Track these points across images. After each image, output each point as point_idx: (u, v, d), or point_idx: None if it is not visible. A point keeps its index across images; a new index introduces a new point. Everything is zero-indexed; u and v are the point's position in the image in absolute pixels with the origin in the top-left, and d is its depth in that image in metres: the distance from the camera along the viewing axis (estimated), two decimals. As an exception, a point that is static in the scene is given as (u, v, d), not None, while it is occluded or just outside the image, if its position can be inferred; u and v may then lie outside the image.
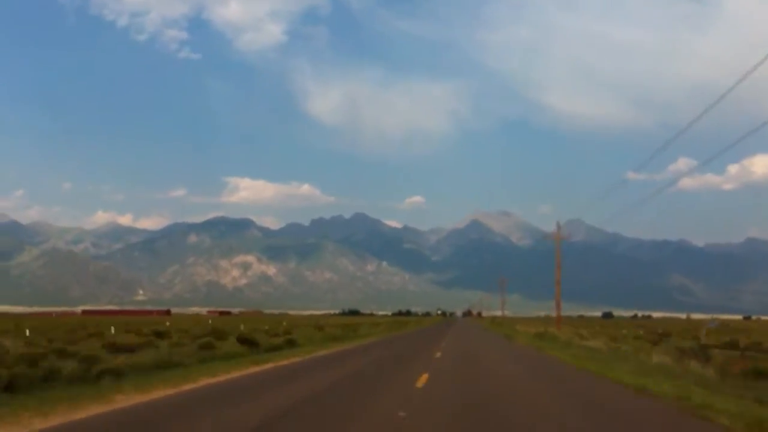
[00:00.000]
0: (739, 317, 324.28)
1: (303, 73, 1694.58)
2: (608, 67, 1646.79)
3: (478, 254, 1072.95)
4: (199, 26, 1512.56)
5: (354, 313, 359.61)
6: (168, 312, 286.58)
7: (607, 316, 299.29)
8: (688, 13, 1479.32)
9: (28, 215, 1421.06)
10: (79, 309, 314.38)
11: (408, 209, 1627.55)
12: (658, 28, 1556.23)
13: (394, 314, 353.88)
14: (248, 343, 33.13)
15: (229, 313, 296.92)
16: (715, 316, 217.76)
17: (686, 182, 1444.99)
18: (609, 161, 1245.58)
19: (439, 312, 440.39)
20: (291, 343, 36.92)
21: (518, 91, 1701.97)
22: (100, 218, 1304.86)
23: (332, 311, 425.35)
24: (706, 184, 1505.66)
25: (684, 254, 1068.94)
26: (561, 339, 48.28)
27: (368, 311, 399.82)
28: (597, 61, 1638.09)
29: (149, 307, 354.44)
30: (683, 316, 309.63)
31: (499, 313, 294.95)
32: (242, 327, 58.79)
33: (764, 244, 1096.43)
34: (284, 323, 74.44)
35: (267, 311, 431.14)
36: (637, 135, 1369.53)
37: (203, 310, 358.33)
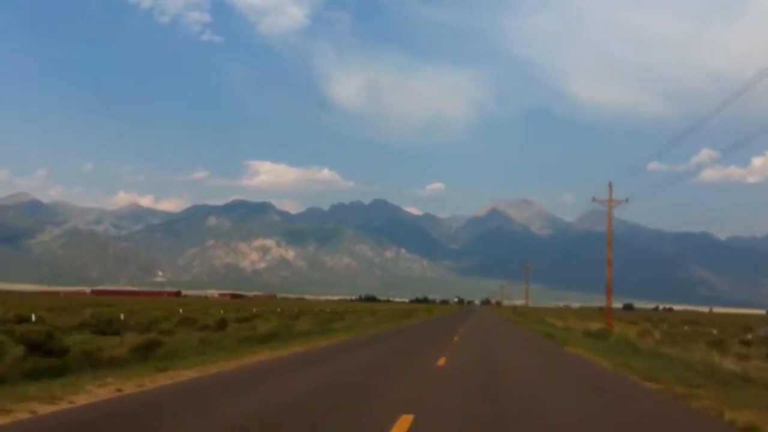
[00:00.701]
0: (761, 311, 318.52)
1: (325, 58, 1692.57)
2: (633, 56, 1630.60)
3: (497, 243, 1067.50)
4: (221, 9, 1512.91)
5: (371, 299, 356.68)
6: (178, 293, 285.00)
7: (628, 308, 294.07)
8: (716, 3, 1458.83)
9: (50, 195, 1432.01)
10: (88, 289, 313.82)
11: (428, 196, 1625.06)
12: (685, 18, 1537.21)
13: (411, 301, 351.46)
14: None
15: (241, 296, 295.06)
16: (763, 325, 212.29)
17: (709, 174, 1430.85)
18: (632, 151, 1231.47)
19: (456, 300, 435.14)
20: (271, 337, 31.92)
21: (541, 79, 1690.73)
22: (121, 199, 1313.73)
23: (349, 297, 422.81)
24: (730, 176, 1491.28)
25: (706, 247, 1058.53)
26: (641, 347, 29.69)
27: (385, 298, 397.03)
28: (622, 50, 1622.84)
29: (168, 288, 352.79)
30: (705, 309, 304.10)
31: (519, 302, 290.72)
32: (221, 312, 54.83)
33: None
34: (296, 309, 69.57)
35: (284, 295, 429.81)
36: (662, 125, 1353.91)
37: (217, 293, 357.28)
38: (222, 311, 52.05)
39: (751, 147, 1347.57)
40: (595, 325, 51.46)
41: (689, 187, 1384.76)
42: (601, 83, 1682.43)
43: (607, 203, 56.01)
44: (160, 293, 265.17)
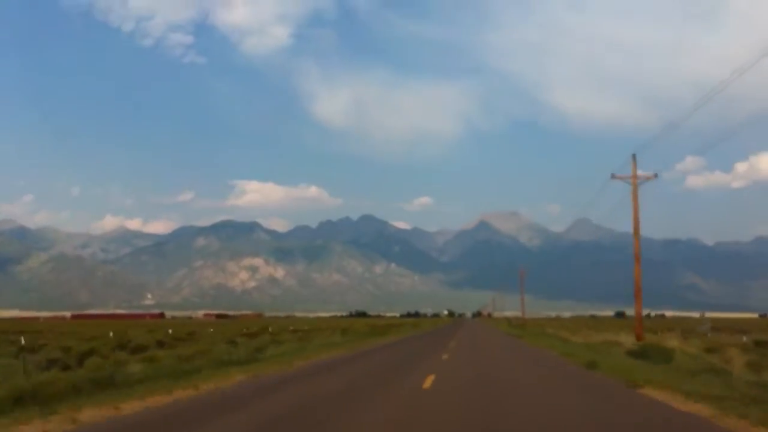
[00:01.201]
0: (754, 315, 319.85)
1: (310, 76, 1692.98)
2: (616, 66, 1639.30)
3: (486, 255, 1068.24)
4: (203, 30, 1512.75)
5: (361, 314, 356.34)
6: (162, 315, 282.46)
7: (620, 315, 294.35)
8: (696, 10, 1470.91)
9: (36, 220, 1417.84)
10: (69, 314, 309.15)
11: (416, 210, 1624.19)
12: (667, 26, 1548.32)
13: (402, 316, 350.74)
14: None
15: (227, 316, 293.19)
16: (704, 320, 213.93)
17: (694, 180, 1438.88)
18: (617, 160, 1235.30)
19: (447, 313, 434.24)
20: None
21: (526, 91, 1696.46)
22: (109, 223, 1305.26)
23: (339, 313, 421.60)
24: (715, 182, 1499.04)
25: (694, 253, 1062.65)
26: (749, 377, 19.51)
27: (376, 313, 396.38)
28: (605, 60, 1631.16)
29: (152, 311, 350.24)
30: (696, 314, 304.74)
31: (511, 313, 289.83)
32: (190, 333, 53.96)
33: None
34: (270, 329, 66.06)
35: (274, 314, 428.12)
36: (646, 133, 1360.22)
37: (202, 314, 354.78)
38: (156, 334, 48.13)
39: (734, 152, 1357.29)
40: (619, 338, 43.51)
41: (675, 194, 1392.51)
42: (586, 94, 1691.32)
43: (632, 180, 44.55)
44: (143, 316, 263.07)
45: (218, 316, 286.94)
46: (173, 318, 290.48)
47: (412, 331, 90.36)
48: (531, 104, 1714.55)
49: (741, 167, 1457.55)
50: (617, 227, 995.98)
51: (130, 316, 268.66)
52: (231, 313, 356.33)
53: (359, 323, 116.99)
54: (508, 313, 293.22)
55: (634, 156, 44.02)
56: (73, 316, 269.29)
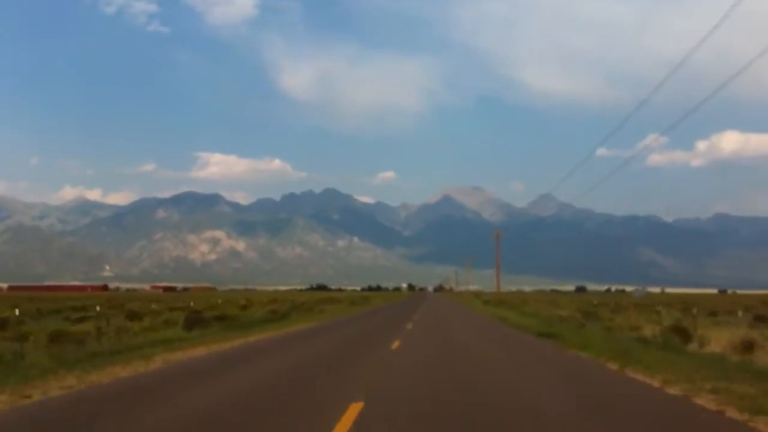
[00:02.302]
0: (713, 291, 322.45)
1: (275, 48, 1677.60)
2: (582, 43, 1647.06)
3: (449, 230, 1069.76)
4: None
5: (322, 288, 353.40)
6: (105, 287, 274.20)
7: (581, 290, 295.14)
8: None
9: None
10: (5, 285, 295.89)
11: (380, 185, 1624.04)
12: (635, 3, 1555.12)
13: (363, 289, 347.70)
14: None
15: (174, 288, 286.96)
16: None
17: (655, 158, 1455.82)
18: (582, 137, 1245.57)
19: (406, 286, 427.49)
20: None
21: (492, 67, 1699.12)
22: (68, 193, 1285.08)
23: (299, 287, 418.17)
24: (675, 160, 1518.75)
25: (653, 229, 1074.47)
26: None
27: (337, 287, 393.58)
28: (571, 37, 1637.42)
29: (96, 283, 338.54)
30: (657, 290, 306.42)
31: (474, 287, 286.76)
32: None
33: (732, 220, 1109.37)
34: (220, 301, 62.83)
35: (234, 287, 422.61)
36: (611, 112, 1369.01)
37: (149, 286, 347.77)
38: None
39: (696, 130, 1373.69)
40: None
41: (636, 172, 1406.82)
42: (551, 70, 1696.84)
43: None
44: (85, 288, 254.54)
45: (166, 289, 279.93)
46: (117, 290, 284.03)
47: (356, 309, 68.99)
48: (497, 80, 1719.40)
49: (702, 146, 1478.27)
50: (578, 203, 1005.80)
51: (71, 288, 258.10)
52: (180, 285, 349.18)
53: (305, 297, 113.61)
54: (472, 288, 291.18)
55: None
56: (10, 288, 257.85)
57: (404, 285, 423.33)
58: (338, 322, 41.66)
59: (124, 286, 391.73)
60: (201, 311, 41.13)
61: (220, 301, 70.68)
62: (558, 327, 33.33)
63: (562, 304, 67.26)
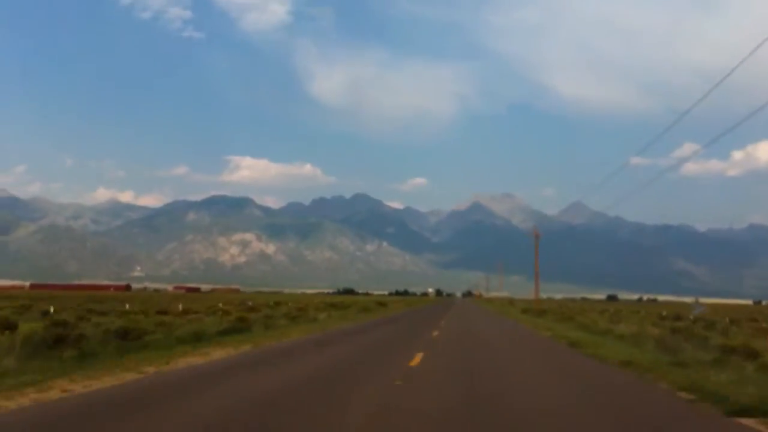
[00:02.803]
0: (748, 302, 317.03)
1: (307, 54, 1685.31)
2: (615, 51, 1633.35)
3: (478, 236, 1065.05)
4: (202, 5, 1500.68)
5: (349, 292, 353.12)
6: (128, 287, 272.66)
7: (612, 299, 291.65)
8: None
9: (28, 191, 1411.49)
10: (27, 283, 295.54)
11: (410, 191, 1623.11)
12: (667, 12, 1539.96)
13: (390, 294, 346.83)
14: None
15: (198, 290, 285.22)
16: (700, 300, 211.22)
17: (690, 168, 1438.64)
18: (614, 146, 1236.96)
19: (431, 291, 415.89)
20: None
21: (524, 74, 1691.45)
22: (101, 195, 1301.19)
23: (327, 290, 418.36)
24: (710, 170, 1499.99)
25: (686, 239, 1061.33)
26: None
27: (364, 291, 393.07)
28: (604, 45, 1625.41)
29: (119, 283, 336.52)
30: (689, 299, 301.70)
31: (498, 294, 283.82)
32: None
33: (766, 230, 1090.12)
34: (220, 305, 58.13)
35: (265, 289, 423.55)
36: (644, 119, 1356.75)
37: (171, 287, 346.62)
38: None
39: (731, 140, 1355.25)
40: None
41: (669, 181, 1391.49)
42: (583, 77, 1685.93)
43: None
44: (107, 287, 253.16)
45: (188, 289, 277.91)
46: (143, 290, 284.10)
47: (341, 322, 45.29)
48: (528, 87, 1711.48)
49: (737, 155, 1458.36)
50: (610, 211, 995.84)
51: (92, 287, 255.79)
52: (204, 286, 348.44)
53: (318, 300, 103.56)
54: (501, 294, 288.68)
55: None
56: (32, 286, 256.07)
57: (431, 290, 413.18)
58: (319, 340, 26.88)
59: (151, 286, 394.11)
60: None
61: (221, 304, 63.35)
62: (682, 360, 18.68)
63: (626, 317, 51.81)
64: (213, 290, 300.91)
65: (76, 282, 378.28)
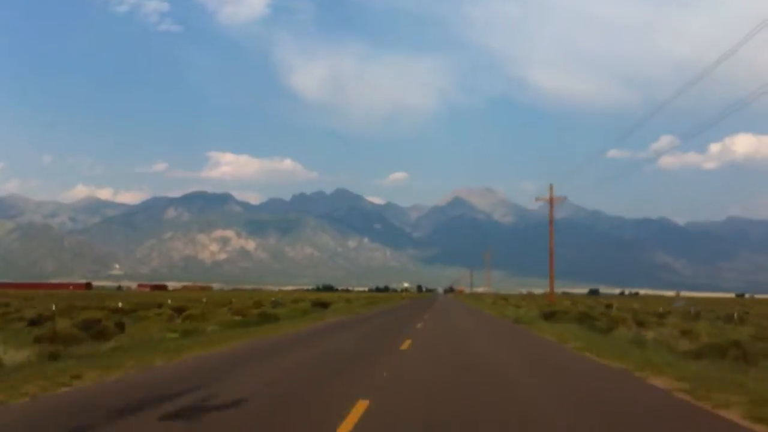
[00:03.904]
0: (729, 295, 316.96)
1: (287, 47, 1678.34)
2: (594, 45, 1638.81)
3: (459, 231, 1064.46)
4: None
5: (328, 288, 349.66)
6: (89, 286, 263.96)
7: (594, 293, 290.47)
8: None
9: (6, 188, 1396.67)
10: None
11: (391, 185, 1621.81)
12: (646, 5, 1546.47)
13: (371, 290, 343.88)
14: None
15: (164, 287, 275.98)
16: (681, 294, 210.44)
17: (668, 161, 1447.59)
18: (593, 139, 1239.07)
19: (406, 287, 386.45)
20: None
21: (504, 67, 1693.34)
22: (80, 192, 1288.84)
23: (306, 287, 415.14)
24: (688, 163, 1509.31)
25: (666, 232, 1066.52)
26: None
27: (344, 287, 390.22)
28: (583, 38, 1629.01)
29: (78, 281, 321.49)
30: (671, 293, 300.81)
31: (483, 289, 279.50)
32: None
33: (745, 223, 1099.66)
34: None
35: (247, 286, 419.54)
36: (623, 113, 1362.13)
37: (135, 285, 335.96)
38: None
39: (710, 134, 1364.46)
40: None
41: (648, 174, 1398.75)
42: (563, 71, 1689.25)
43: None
44: (66, 285, 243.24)
45: (153, 287, 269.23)
46: (102, 289, 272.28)
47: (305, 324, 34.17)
48: (508, 80, 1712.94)
49: (715, 148, 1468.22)
50: (589, 205, 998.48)
51: (53, 285, 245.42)
52: (171, 284, 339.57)
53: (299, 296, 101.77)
54: (480, 289, 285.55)
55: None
56: None
57: (407, 284, 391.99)
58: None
59: (114, 284, 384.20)
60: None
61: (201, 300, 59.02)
62: None
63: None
64: (183, 288, 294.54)
65: (31, 281, 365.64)
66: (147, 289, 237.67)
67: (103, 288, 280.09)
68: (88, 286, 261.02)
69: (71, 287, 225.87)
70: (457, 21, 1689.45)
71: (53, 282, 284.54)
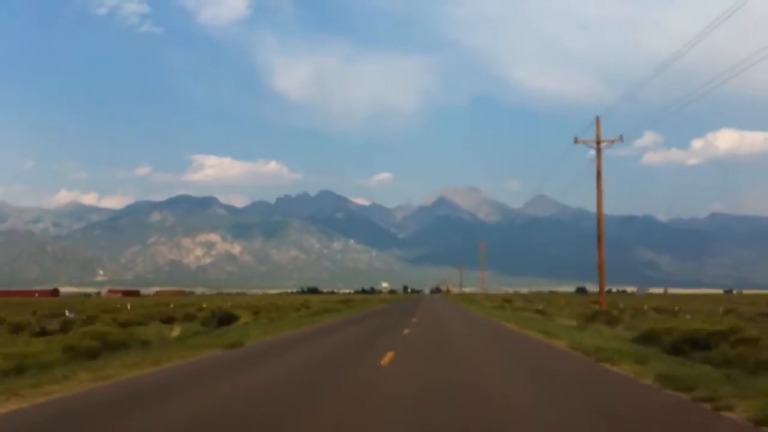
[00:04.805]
0: (718, 291, 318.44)
1: (269, 48, 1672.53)
2: (576, 43, 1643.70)
3: (445, 231, 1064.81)
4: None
5: (313, 291, 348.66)
6: (55, 292, 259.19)
7: (581, 291, 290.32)
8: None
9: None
10: None
11: (375, 186, 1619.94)
12: (628, 2, 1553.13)
13: (356, 292, 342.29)
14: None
15: (137, 293, 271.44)
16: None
17: (651, 157, 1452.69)
18: (576, 137, 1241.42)
19: (386, 287, 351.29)
20: None
21: (486, 66, 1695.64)
22: (63, 197, 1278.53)
23: (291, 290, 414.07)
24: (671, 159, 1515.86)
25: (650, 229, 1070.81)
26: None
27: (330, 289, 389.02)
28: (564, 36, 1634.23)
29: (46, 288, 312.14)
30: (659, 290, 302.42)
31: (470, 289, 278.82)
32: None
33: (727, 219, 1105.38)
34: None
35: (228, 290, 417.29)
36: (606, 110, 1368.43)
37: (106, 290, 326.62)
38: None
39: (691, 129, 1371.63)
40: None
41: (632, 171, 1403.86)
42: (546, 70, 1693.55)
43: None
44: (32, 293, 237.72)
45: (125, 293, 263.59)
46: (69, 295, 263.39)
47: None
48: (491, 79, 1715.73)
49: (697, 144, 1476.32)
50: (573, 203, 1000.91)
51: (15, 293, 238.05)
52: (143, 290, 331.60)
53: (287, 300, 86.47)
54: (467, 290, 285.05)
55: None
56: None
57: (385, 284, 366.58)
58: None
59: (91, 290, 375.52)
60: None
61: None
62: None
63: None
64: (157, 293, 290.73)
65: (29, 288, 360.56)
66: (118, 295, 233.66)
67: (71, 295, 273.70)
68: (55, 292, 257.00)
69: (37, 294, 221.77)
70: (439, 20, 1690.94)
71: (18, 289, 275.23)
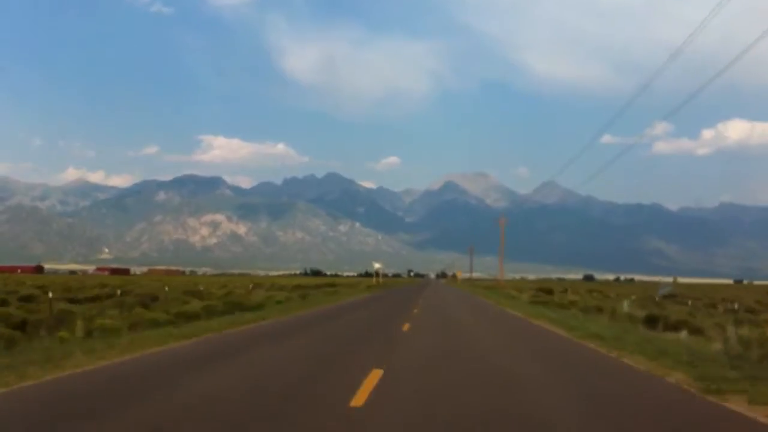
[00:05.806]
0: (728, 281, 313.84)
1: (279, 30, 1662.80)
2: (590, 30, 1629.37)
3: (452, 216, 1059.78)
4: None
5: (316, 273, 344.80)
6: (40, 269, 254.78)
7: (589, 279, 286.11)
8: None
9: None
10: None
11: (383, 170, 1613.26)
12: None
13: (360, 275, 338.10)
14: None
15: (127, 271, 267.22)
16: (664, 280, 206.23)
17: (661, 147, 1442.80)
18: (587, 124, 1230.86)
19: (377, 268, 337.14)
20: None
21: (498, 51, 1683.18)
22: (71, 175, 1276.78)
23: (296, 272, 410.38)
24: (681, 148, 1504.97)
25: (658, 218, 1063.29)
26: None
27: (334, 272, 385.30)
28: (577, 22, 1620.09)
29: (29, 264, 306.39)
30: (667, 279, 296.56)
31: (478, 275, 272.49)
32: None
33: (737, 209, 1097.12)
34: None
35: (233, 271, 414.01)
36: (617, 98, 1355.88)
37: (92, 269, 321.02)
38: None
39: (702, 119, 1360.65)
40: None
41: (641, 160, 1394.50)
42: (557, 56, 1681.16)
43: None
44: (14, 269, 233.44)
45: (114, 271, 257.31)
46: (55, 273, 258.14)
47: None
48: (502, 65, 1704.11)
49: (707, 134, 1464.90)
50: (582, 191, 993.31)
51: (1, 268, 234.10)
52: (136, 269, 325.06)
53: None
54: (474, 275, 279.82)
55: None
56: None
57: (378, 265, 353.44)
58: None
59: (87, 267, 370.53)
60: None
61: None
62: None
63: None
64: (149, 271, 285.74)
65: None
66: (106, 273, 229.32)
67: (56, 272, 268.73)
68: (39, 269, 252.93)
69: (19, 270, 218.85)
70: (451, 4, 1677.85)
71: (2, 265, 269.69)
